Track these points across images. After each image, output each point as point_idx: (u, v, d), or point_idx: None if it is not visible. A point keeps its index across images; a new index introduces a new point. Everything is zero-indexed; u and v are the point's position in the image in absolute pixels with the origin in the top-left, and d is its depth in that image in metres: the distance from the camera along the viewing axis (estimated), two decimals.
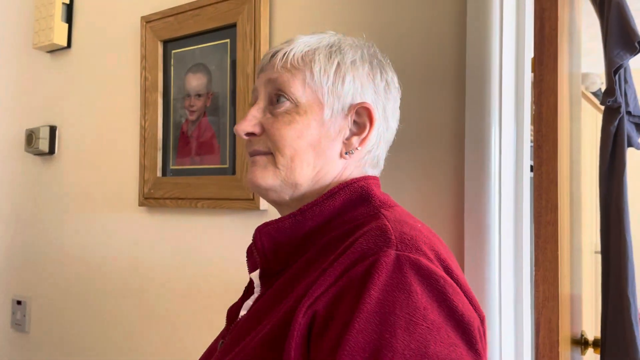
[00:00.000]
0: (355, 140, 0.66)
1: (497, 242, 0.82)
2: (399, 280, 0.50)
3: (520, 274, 0.85)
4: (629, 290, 1.12)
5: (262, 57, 1.02)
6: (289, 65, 0.66)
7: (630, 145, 1.47)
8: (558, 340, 0.89)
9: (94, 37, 1.48)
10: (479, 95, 0.84)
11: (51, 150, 1.55)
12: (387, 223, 0.57)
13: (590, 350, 1.36)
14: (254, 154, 0.68)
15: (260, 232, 0.65)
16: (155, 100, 1.27)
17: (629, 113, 1.47)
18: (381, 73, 0.69)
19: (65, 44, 1.53)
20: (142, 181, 1.29)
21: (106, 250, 1.40)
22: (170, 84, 1.27)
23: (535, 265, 0.89)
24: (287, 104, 0.65)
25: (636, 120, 1.51)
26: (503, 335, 0.82)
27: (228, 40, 1.16)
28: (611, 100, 1.16)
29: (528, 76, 0.90)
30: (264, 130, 0.66)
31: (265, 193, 0.67)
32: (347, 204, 0.64)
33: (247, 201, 1.10)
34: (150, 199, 1.27)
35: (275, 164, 0.65)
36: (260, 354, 0.55)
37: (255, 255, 0.66)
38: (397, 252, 0.52)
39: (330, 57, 0.66)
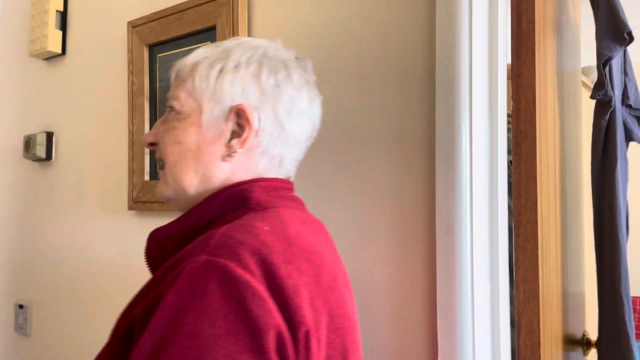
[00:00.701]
0: (235, 142, 0.67)
1: (469, 242, 0.80)
2: (197, 285, 0.51)
3: (497, 274, 0.83)
4: (622, 290, 1.09)
5: None
6: (179, 78, 0.70)
7: (631, 139, 1.43)
8: (539, 342, 0.87)
9: (86, 43, 1.50)
10: (449, 93, 0.82)
11: (48, 156, 1.57)
12: (221, 229, 0.58)
13: (593, 351, 1.32)
14: (157, 162, 0.72)
15: (151, 239, 0.67)
16: (142, 105, 1.28)
17: (629, 106, 1.42)
18: (270, 72, 0.68)
19: (59, 51, 1.55)
20: (131, 185, 1.29)
21: (101, 254, 1.42)
22: (157, 88, 1.27)
23: (515, 265, 0.86)
24: (172, 114, 0.69)
25: (637, 113, 1.46)
26: (477, 339, 0.80)
27: (209, 42, 1.16)
28: (601, 94, 1.13)
29: (503, 73, 0.87)
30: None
31: (173, 205, 0.71)
32: (225, 208, 0.65)
33: None
34: (139, 202, 1.28)
35: (165, 174, 0.69)
36: (108, 352, 0.57)
37: (145, 261, 0.68)
38: (208, 257, 0.53)
39: (214, 64, 0.68)
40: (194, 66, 0.69)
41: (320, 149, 0.90)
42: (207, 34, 1.16)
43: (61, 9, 1.55)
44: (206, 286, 0.51)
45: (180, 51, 1.22)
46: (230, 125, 0.67)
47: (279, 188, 0.69)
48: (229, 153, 0.67)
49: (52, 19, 1.53)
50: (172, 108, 0.70)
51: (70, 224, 1.52)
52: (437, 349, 0.81)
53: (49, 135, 1.57)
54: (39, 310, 1.60)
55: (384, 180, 0.90)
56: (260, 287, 0.53)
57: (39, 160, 1.58)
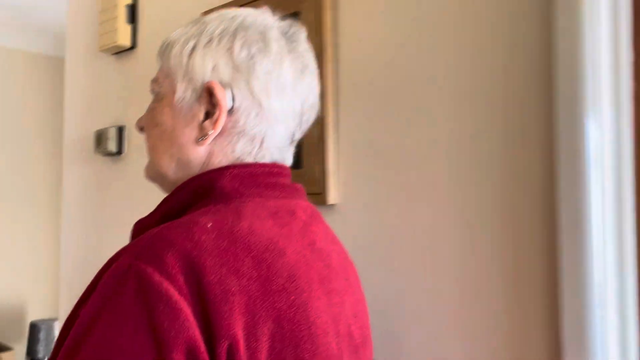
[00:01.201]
0: (207, 123, 0.62)
1: (597, 240, 0.73)
2: (114, 292, 0.49)
3: (625, 272, 0.76)
4: None
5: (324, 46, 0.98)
6: (158, 59, 0.67)
7: None
8: None
9: (157, 36, 1.49)
10: (571, 85, 0.76)
11: (119, 150, 1.57)
12: (156, 229, 0.54)
13: None
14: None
15: (133, 230, 0.65)
16: None
17: None
18: (244, 44, 0.62)
19: (129, 44, 1.55)
20: None
21: None
22: None
23: None
24: (153, 96, 0.67)
25: None
26: (605, 341, 0.73)
27: None
28: None
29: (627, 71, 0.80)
30: None
31: (159, 187, 0.69)
32: (191, 199, 0.61)
33: (315, 195, 1.06)
34: None
35: (148, 156, 0.67)
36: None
37: None
38: (131, 261, 0.50)
39: (187, 42, 0.63)
40: (170, 45, 0.65)
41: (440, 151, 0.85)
42: None
43: (130, 2, 1.54)
44: (122, 294, 0.49)
45: None
46: (203, 106, 0.62)
47: (258, 174, 0.63)
48: (202, 135, 0.62)
49: (122, 13, 1.53)
50: (152, 90, 0.67)
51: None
52: (560, 351, 0.75)
53: (120, 130, 1.57)
54: None
55: (498, 177, 0.85)
56: (177, 296, 0.49)
57: (110, 154, 1.59)
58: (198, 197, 0.61)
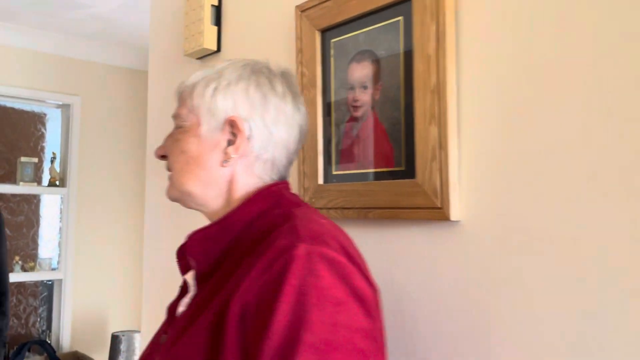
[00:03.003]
0: (230, 149, 0.77)
1: None
2: (309, 268, 0.62)
3: None
4: None
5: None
6: (180, 98, 0.83)
7: None
8: None
9: (243, 36, 1.39)
10: None
11: None
12: (297, 222, 0.69)
13: None
14: (168, 171, 0.83)
15: (191, 239, 0.78)
16: (313, 98, 1.12)
17: None
18: (257, 86, 0.79)
19: (215, 47, 1.46)
20: (302, 189, 1.14)
21: None
22: (330, 78, 1.11)
23: None
24: (178, 129, 0.81)
25: None
26: None
27: (400, 17, 0.97)
28: None
29: None
30: None
31: (182, 204, 0.83)
32: (263, 209, 0.77)
33: (431, 210, 0.89)
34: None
35: (172, 179, 0.81)
36: (204, 339, 0.65)
37: (189, 260, 0.79)
38: (307, 245, 0.64)
39: (209, 84, 0.79)
40: (193, 87, 0.80)
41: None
42: (399, 8, 0.97)
43: (216, 2, 1.46)
44: (317, 268, 0.62)
45: (361, 32, 1.04)
46: (226, 135, 0.78)
47: (289, 188, 0.83)
48: (226, 159, 0.78)
49: (208, 14, 1.44)
50: (176, 125, 0.81)
51: None
52: None
53: None
54: None
55: None
56: (349, 263, 0.66)
57: None
58: (272, 205, 0.77)
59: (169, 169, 0.82)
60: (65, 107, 3.73)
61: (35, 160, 3.54)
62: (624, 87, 0.71)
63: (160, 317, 1.62)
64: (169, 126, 1.61)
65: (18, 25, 3.38)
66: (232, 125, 0.77)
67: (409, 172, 0.95)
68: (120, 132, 3.84)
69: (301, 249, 0.63)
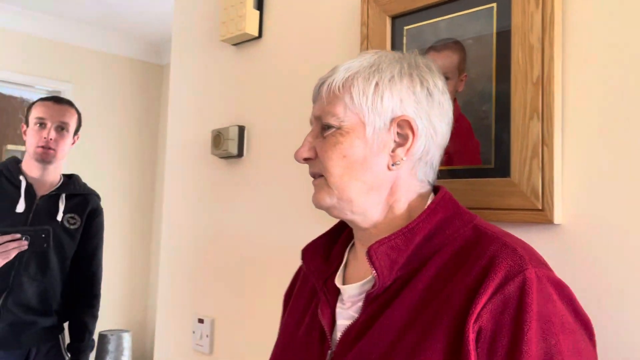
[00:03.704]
0: (400, 151, 0.71)
1: None
2: (544, 293, 0.60)
3: None
4: None
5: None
6: (331, 94, 0.73)
7: None
8: None
9: (291, 22, 1.30)
10: None
11: (240, 153, 1.38)
12: (506, 240, 0.65)
13: None
14: (313, 176, 0.76)
15: (377, 252, 0.68)
16: None
17: None
18: (422, 83, 0.72)
19: (256, 33, 1.37)
20: None
21: (298, 262, 1.20)
22: None
23: None
24: (332, 130, 0.73)
25: None
26: None
27: (494, 4, 0.90)
28: None
29: None
30: (317, 154, 0.74)
31: (330, 212, 0.75)
32: (445, 218, 0.70)
33: (531, 212, 0.83)
34: None
35: (328, 184, 0.73)
36: None
37: (373, 271, 0.67)
38: (535, 268, 0.61)
39: (369, 79, 0.72)
40: (348, 81, 0.72)
41: None
42: None
43: None
44: (550, 292, 0.61)
45: (443, 19, 0.97)
46: (392, 136, 0.71)
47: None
48: (394, 162, 0.71)
49: None
50: (329, 125, 0.73)
51: (263, 228, 1.32)
52: None
53: (241, 130, 1.39)
54: (221, 325, 1.41)
55: None
56: (568, 287, 0.65)
57: (229, 157, 1.40)
58: (452, 216, 0.71)
59: (317, 174, 0.75)
60: (55, 94, 3.56)
61: (23, 148, 3.37)
62: None
63: (180, 319, 1.52)
64: (198, 118, 1.52)
65: (10, 5, 3.21)
66: (401, 125, 0.71)
67: (501, 170, 0.88)
68: (114, 123, 3.69)
69: (532, 273, 0.60)
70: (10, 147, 3.31)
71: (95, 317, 2.11)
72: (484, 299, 0.59)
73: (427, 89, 0.73)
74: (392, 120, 0.71)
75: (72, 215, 1.98)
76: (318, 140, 0.75)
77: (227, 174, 1.44)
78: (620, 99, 0.77)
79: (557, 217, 0.81)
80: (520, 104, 0.85)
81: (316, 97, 0.77)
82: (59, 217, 1.93)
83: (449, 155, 0.95)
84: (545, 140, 0.82)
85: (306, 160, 0.76)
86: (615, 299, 0.76)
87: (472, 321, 0.59)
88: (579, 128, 0.81)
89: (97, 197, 2.11)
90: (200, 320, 1.46)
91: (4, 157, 3.29)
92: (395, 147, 0.72)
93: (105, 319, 3.60)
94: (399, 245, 0.68)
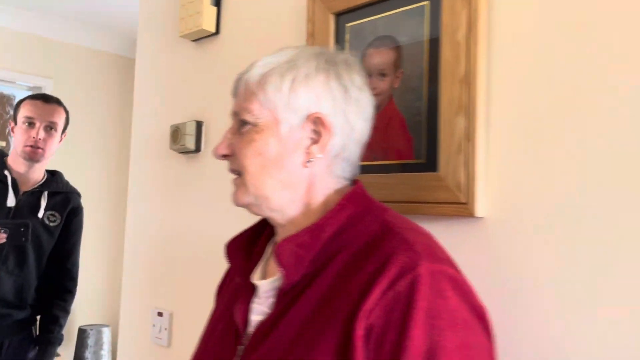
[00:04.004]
0: (315, 148, 0.71)
1: None
2: (436, 288, 0.60)
3: None
4: None
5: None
6: (247, 90, 0.73)
7: None
8: None
9: (246, 19, 1.32)
10: None
11: (197, 148, 1.40)
12: (407, 235, 0.65)
13: None
14: (231, 172, 0.76)
15: (284, 249, 0.68)
16: None
17: None
18: (338, 79, 0.72)
19: (213, 29, 1.38)
20: None
21: None
22: None
23: None
24: (248, 126, 0.72)
25: None
26: None
27: (427, 2, 0.92)
28: None
29: None
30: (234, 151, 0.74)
31: (249, 210, 0.76)
32: (354, 215, 0.71)
33: (455, 205, 0.85)
34: None
35: (245, 182, 0.73)
36: None
37: (280, 268, 0.69)
38: (429, 264, 0.61)
39: (284, 75, 0.71)
40: (263, 78, 0.72)
41: None
42: None
43: None
44: (444, 287, 0.60)
45: (381, 17, 0.99)
46: (307, 133, 0.71)
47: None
48: (309, 159, 0.71)
49: None
50: (245, 121, 0.72)
51: (219, 223, 1.34)
52: None
53: (199, 125, 1.40)
54: (179, 319, 1.43)
55: None
56: (466, 280, 0.65)
57: (187, 152, 1.42)
58: (363, 211, 0.71)
59: (235, 171, 0.74)
60: (36, 90, 3.56)
61: (3, 144, 3.37)
62: None
63: (142, 312, 1.54)
64: (159, 113, 1.54)
65: None
66: (316, 122, 0.71)
67: (431, 165, 0.90)
68: (96, 119, 3.70)
69: (424, 268, 0.60)
70: None
71: (67, 312, 2.13)
72: (375, 297, 0.59)
73: (344, 86, 0.72)
74: (307, 117, 0.71)
75: (53, 212, 2.01)
76: (236, 136, 0.74)
77: (186, 169, 1.45)
78: (543, 96, 0.79)
79: (480, 211, 0.83)
80: (447, 100, 0.87)
81: (235, 92, 0.76)
82: (40, 214, 1.96)
83: (385, 151, 0.97)
84: (470, 136, 0.84)
85: (225, 156, 0.75)
86: (531, 289, 0.78)
87: (362, 319, 0.59)
88: (503, 124, 0.83)
89: (78, 195, 2.13)
90: (160, 314, 1.48)
91: None
92: (310, 144, 0.71)
93: (86, 314, 3.62)
94: (306, 242, 0.68)
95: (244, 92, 0.74)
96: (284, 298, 0.69)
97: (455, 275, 0.63)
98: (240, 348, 0.71)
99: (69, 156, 3.58)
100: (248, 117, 0.72)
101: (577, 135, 0.75)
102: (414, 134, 0.93)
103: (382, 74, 0.99)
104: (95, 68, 3.68)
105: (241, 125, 0.74)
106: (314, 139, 0.71)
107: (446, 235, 0.88)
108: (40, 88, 3.52)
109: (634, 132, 0.70)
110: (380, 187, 0.96)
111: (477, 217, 0.84)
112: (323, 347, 0.61)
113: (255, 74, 0.73)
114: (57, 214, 2.02)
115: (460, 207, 0.85)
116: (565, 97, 0.77)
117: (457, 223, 0.87)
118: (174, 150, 1.44)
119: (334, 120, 0.71)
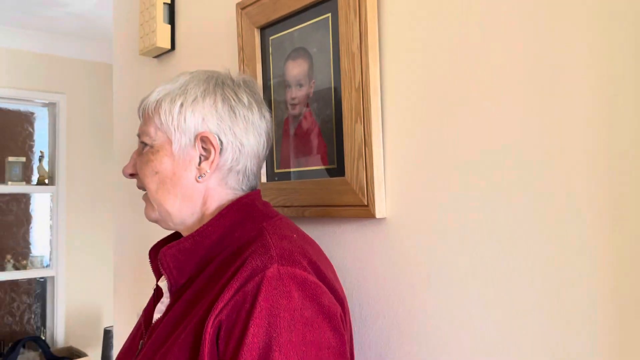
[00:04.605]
0: (205, 165, 0.78)
1: None
2: (281, 289, 0.65)
3: None
4: None
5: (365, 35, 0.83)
6: (146, 115, 0.81)
7: None
8: None
9: (195, 35, 1.38)
10: None
11: None
12: (270, 240, 0.71)
13: None
14: (139, 189, 0.83)
15: (165, 254, 0.76)
16: None
17: None
18: (224, 100, 0.79)
19: (168, 46, 1.45)
20: None
21: None
22: (270, 76, 1.11)
23: None
24: (147, 147, 0.80)
25: None
26: None
27: (329, 14, 0.96)
28: None
29: None
30: None
31: (159, 224, 0.83)
32: (235, 222, 0.77)
33: (359, 208, 0.89)
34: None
35: (149, 199, 0.81)
36: (179, 357, 0.67)
37: (162, 272, 0.77)
38: (279, 266, 0.67)
39: (175, 100, 0.78)
40: (158, 103, 0.79)
41: None
42: (327, 5, 0.96)
43: (169, 0, 1.45)
44: (288, 289, 0.65)
45: (296, 29, 1.04)
46: (198, 151, 0.78)
47: (260, 197, 0.84)
48: (201, 174, 0.78)
49: (160, 12, 1.44)
50: (144, 143, 0.80)
51: None
52: None
53: None
54: None
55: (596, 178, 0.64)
56: (318, 281, 0.69)
57: None
58: (243, 218, 0.78)
59: (141, 187, 0.82)
60: (51, 106, 3.74)
61: (23, 159, 3.56)
62: (547, 86, 0.70)
63: (131, 316, 1.64)
64: (134, 123, 1.62)
65: (1, 25, 3.38)
66: (204, 141, 0.78)
67: (340, 170, 0.95)
68: (107, 128, 3.85)
69: (272, 270, 0.66)
70: (11, 159, 3.50)
71: None
72: (227, 297, 0.66)
73: (230, 106, 0.79)
74: (196, 136, 0.78)
75: None
76: (140, 157, 0.82)
77: None
78: (430, 102, 0.82)
79: (380, 212, 0.88)
80: (348, 108, 0.91)
81: (139, 116, 0.84)
82: None
83: (307, 157, 1.02)
84: (367, 142, 0.88)
85: (132, 175, 0.83)
86: (424, 285, 0.82)
87: (213, 316, 0.65)
88: (396, 129, 0.87)
89: None
90: None
91: (7, 169, 3.49)
92: (201, 161, 0.79)
93: (109, 315, 3.80)
94: (188, 247, 0.76)
95: (143, 116, 0.83)
96: (173, 297, 0.77)
97: (304, 277, 0.68)
98: (142, 342, 0.80)
99: (85, 164, 3.75)
100: (146, 139, 0.80)
101: (462, 138, 0.78)
102: (327, 141, 0.98)
103: (300, 84, 1.04)
104: (102, 79, 3.83)
105: (143, 147, 0.82)
106: (205, 155, 0.79)
107: (354, 236, 0.93)
108: (54, 104, 3.69)
109: (508, 134, 0.73)
110: (303, 192, 1.01)
111: (378, 219, 0.88)
112: (182, 343, 0.67)
113: (152, 99, 0.81)
114: None
115: (363, 209, 0.89)
116: (449, 103, 0.80)
117: (362, 224, 0.91)
118: None
119: (223, 138, 0.78)
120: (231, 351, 0.63)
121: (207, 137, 0.78)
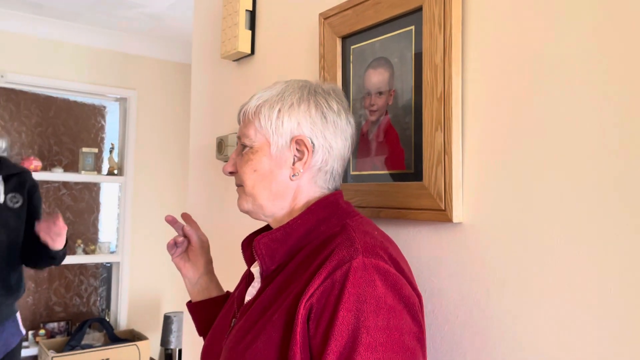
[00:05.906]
0: (298, 165, 0.87)
1: None
2: (366, 278, 0.72)
3: None
4: None
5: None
6: (246, 119, 0.90)
7: None
8: None
9: (275, 41, 1.46)
10: None
11: None
12: (354, 234, 0.79)
13: None
14: (237, 186, 0.93)
15: (259, 242, 0.85)
16: None
17: None
18: (316, 107, 0.87)
19: (249, 51, 1.54)
20: None
21: None
22: (350, 83, 1.17)
23: None
24: (247, 148, 0.89)
25: None
26: None
27: (412, 27, 1.01)
28: None
29: None
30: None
31: (250, 215, 0.92)
32: (321, 218, 0.85)
33: (436, 212, 0.94)
34: None
35: (245, 193, 0.89)
36: (279, 336, 0.75)
37: (256, 258, 0.86)
38: (364, 257, 0.74)
39: (273, 107, 0.87)
40: (258, 108, 0.88)
41: None
42: (411, 18, 1.01)
43: (250, 8, 1.54)
44: (372, 278, 0.73)
45: (377, 40, 1.10)
46: (292, 152, 0.87)
47: (342, 197, 0.91)
48: (294, 173, 0.87)
49: (242, 19, 1.53)
50: (244, 144, 0.89)
51: (256, 225, 1.50)
52: None
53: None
54: None
55: None
56: (398, 274, 0.76)
57: None
58: (329, 215, 0.86)
59: (239, 184, 0.91)
60: (122, 101, 3.94)
61: (96, 150, 3.78)
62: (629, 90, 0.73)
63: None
64: (211, 122, 1.73)
65: (80, 24, 3.60)
66: (298, 143, 0.86)
67: (417, 175, 1.00)
68: (173, 124, 4.03)
69: (358, 261, 0.73)
70: (85, 149, 3.71)
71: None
72: (317, 283, 0.74)
73: (322, 112, 0.88)
74: (292, 139, 0.86)
75: (14, 194, 2.01)
76: (239, 157, 0.91)
77: (231, 177, 1.63)
78: (510, 113, 0.86)
79: (457, 217, 0.92)
80: (428, 117, 0.96)
81: (239, 120, 0.93)
82: (1, 199, 1.97)
83: (382, 161, 1.08)
84: (447, 149, 0.93)
85: (231, 173, 0.93)
86: (499, 288, 0.86)
87: (305, 299, 0.73)
88: (476, 138, 0.91)
89: (29, 172, 2.11)
90: None
91: (80, 159, 3.71)
92: (295, 161, 0.87)
93: (170, 303, 3.98)
94: (279, 237, 0.85)
95: (243, 121, 0.91)
96: (264, 282, 0.86)
97: (386, 268, 0.75)
98: (234, 320, 0.90)
99: (152, 157, 3.94)
100: (246, 141, 0.89)
101: (541, 146, 0.82)
102: (405, 147, 1.03)
103: (379, 92, 1.09)
104: (171, 77, 4.01)
105: (242, 148, 0.91)
106: (298, 156, 0.87)
107: (430, 238, 0.98)
108: (125, 99, 3.90)
109: (592, 139, 0.76)
110: (377, 194, 1.07)
111: (454, 223, 0.93)
112: (276, 322, 0.76)
113: (252, 105, 0.90)
114: (17, 195, 2.02)
115: (440, 213, 0.94)
116: (529, 112, 0.84)
117: (438, 228, 0.96)
118: (220, 159, 1.62)
119: (315, 141, 0.86)
120: (322, 332, 0.71)
121: (301, 140, 0.86)
